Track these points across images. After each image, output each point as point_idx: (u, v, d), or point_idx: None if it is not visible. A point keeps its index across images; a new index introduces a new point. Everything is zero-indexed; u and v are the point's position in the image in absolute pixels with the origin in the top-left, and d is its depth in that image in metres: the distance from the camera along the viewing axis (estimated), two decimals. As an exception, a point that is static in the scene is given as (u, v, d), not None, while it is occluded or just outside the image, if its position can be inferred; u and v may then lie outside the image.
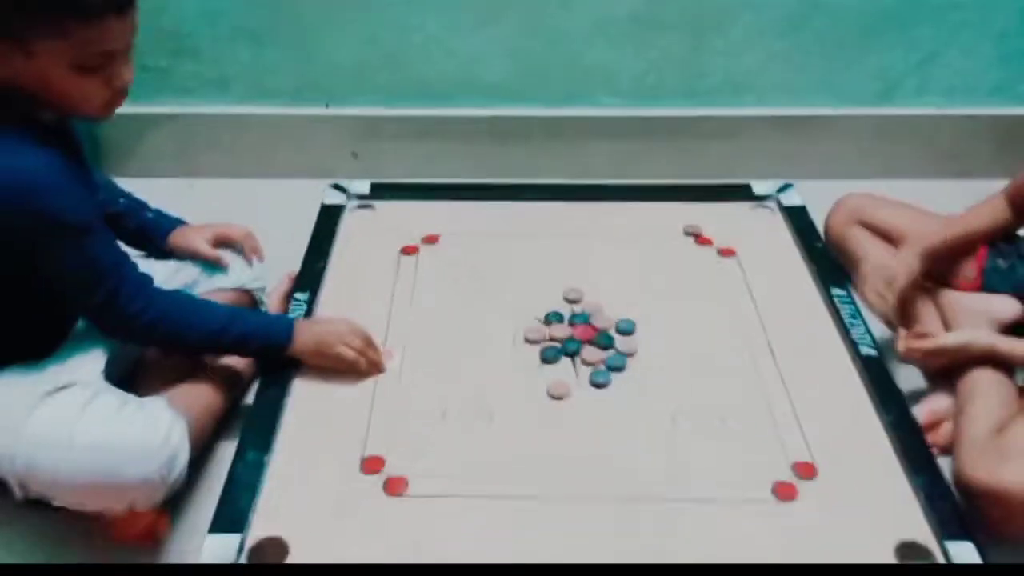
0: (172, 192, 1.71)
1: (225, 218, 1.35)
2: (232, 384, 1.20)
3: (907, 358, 1.20)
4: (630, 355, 1.19)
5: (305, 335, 1.12)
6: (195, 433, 1.05)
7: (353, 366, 1.13)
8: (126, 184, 1.29)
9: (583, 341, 1.21)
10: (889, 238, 1.37)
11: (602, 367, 1.17)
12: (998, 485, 0.98)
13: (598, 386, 1.16)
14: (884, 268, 1.26)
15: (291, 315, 1.24)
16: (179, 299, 1.10)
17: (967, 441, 1.06)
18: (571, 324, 1.24)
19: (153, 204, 1.30)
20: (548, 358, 1.19)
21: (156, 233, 1.26)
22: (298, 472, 1.03)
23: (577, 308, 1.28)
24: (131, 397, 1.03)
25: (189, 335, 1.06)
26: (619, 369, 1.17)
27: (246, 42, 1.66)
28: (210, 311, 1.10)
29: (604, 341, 1.21)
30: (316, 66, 1.70)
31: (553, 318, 1.25)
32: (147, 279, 1.04)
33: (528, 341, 1.22)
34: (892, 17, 1.63)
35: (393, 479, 1.02)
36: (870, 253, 1.36)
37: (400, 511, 0.99)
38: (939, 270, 1.32)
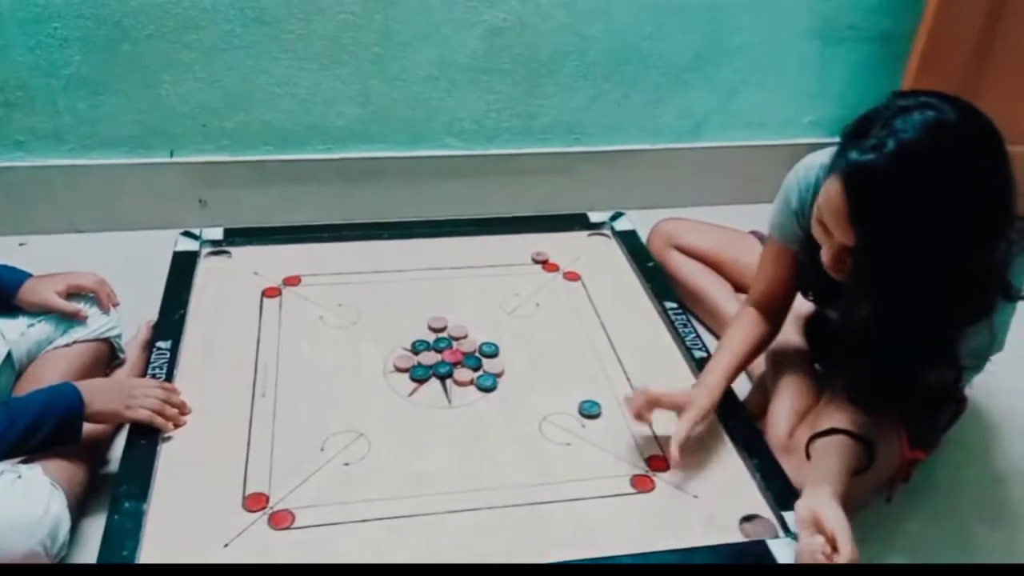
0: (1, 252, 1.64)
1: (65, 275, 1.31)
2: (99, 443, 1.17)
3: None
4: (498, 375, 1.28)
5: (100, 402, 1.07)
6: (72, 499, 1.03)
7: (151, 423, 1.10)
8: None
9: (453, 364, 1.28)
10: (699, 257, 1.56)
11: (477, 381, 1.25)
12: (794, 482, 1.11)
13: (486, 390, 1.24)
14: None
15: (152, 364, 1.23)
16: None
17: (771, 434, 1.22)
18: (437, 350, 1.31)
19: (-20, 264, 1.24)
20: (417, 377, 1.26)
21: (2, 289, 1.21)
22: (179, 515, 1.03)
23: (443, 335, 1.35)
24: (5, 467, 0.99)
25: None
26: (490, 389, 1.25)
27: (83, 91, 1.61)
28: None
29: (472, 363, 1.29)
30: (158, 114, 1.67)
31: (420, 346, 1.32)
32: None
33: (398, 370, 1.28)
34: (696, 62, 1.83)
35: (278, 513, 1.04)
36: (700, 285, 1.53)
37: (288, 543, 1.01)
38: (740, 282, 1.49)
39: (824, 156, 1.09)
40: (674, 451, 1.10)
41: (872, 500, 1.20)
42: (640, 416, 1.15)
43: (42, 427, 1.03)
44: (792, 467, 1.13)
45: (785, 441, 1.20)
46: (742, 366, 1.23)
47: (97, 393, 1.07)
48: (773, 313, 1.25)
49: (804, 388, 1.27)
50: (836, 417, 1.11)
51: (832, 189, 0.95)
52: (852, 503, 1.04)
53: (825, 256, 1.01)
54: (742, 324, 1.25)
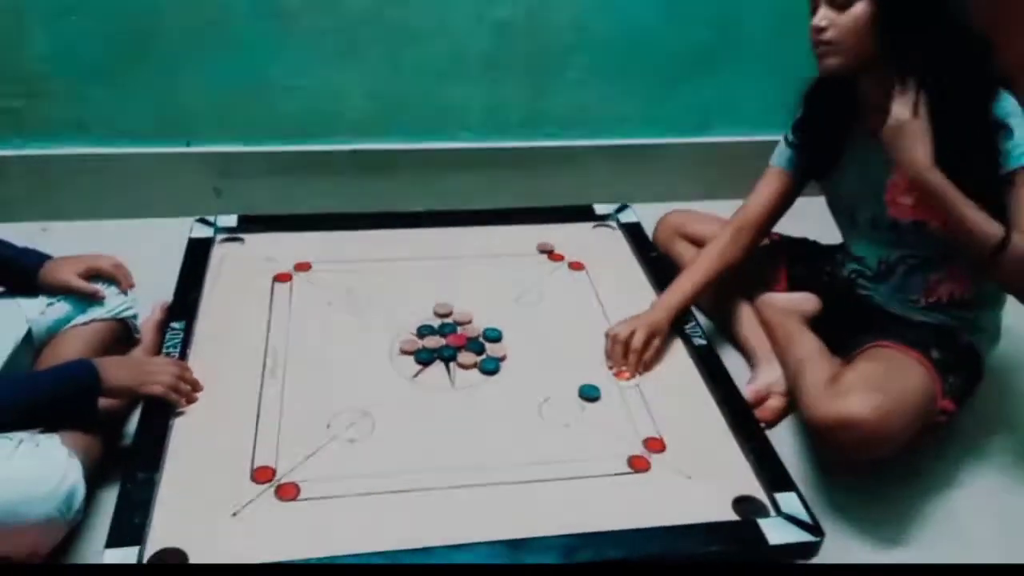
0: (25, 237, 1.69)
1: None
2: (115, 417, 1.21)
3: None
4: (501, 359, 1.31)
5: (114, 377, 1.10)
6: (88, 467, 1.07)
7: (165, 398, 1.14)
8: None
9: (457, 348, 1.32)
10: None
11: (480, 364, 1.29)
12: (843, 414, 1.14)
13: (489, 372, 1.28)
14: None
15: (167, 344, 1.27)
16: None
17: (809, 391, 1.24)
18: (442, 335, 1.35)
19: (5, 248, 1.28)
20: (422, 359, 1.29)
21: (23, 270, 1.26)
22: (190, 486, 1.07)
23: (447, 320, 1.39)
24: (25, 436, 1.03)
25: None
26: (493, 372, 1.29)
27: (103, 82, 1.67)
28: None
29: (476, 347, 1.32)
30: (175, 105, 1.72)
31: (425, 331, 1.35)
32: None
33: (404, 353, 1.31)
34: (704, 57, 1.85)
35: (284, 485, 1.08)
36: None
37: (293, 514, 1.04)
38: (753, 277, 1.53)
39: None
40: (636, 368, 1.28)
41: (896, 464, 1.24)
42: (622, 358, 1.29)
43: (60, 400, 1.07)
44: (841, 401, 1.15)
45: (823, 386, 1.22)
46: (707, 284, 1.40)
47: (113, 369, 1.11)
48: (750, 235, 1.41)
49: (828, 359, 1.32)
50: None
51: None
52: (896, 428, 1.14)
53: (817, 19, 1.15)
54: (716, 245, 1.41)
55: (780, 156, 1.42)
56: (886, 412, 1.13)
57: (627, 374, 1.29)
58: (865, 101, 1.24)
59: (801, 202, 1.45)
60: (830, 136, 1.33)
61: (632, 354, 1.29)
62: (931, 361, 1.23)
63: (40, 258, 1.28)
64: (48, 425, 1.08)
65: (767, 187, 1.42)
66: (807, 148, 1.37)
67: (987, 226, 1.12)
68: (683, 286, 1.39)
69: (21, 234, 1.64)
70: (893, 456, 1.20)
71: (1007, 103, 1.15)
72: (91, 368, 1.10)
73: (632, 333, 1.30)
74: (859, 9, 1.12)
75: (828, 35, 1.15)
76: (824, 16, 1.14)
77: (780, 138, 1.44)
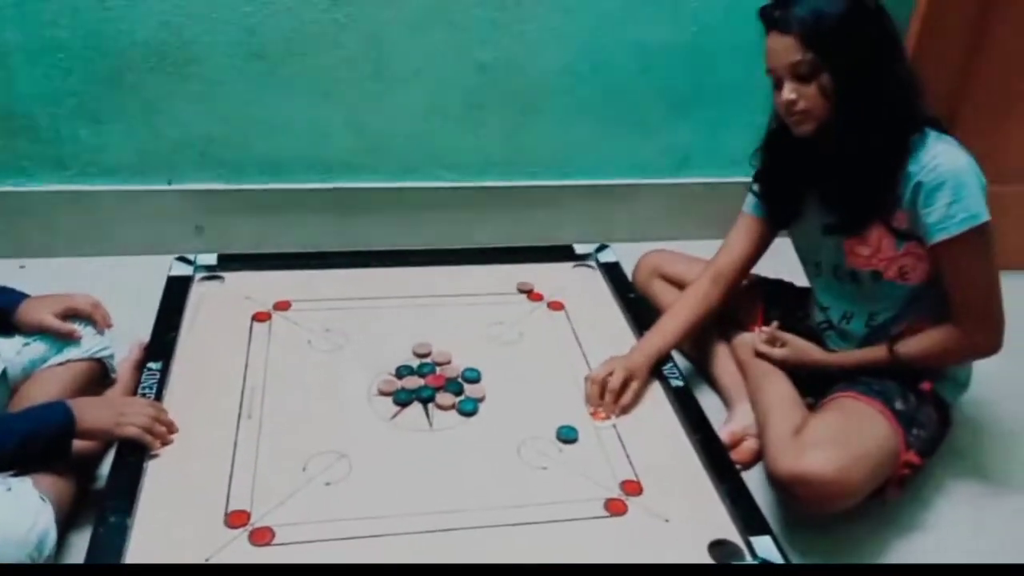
0: (2, 274, 1.68)
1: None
2: (89, 459, 1.20)
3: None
4: (479, 399, 1.31)
5: (91, 419, 1.10)
6: (60, 512, 1.06)
7: (139, 440, 1.14)
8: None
9: (435, 388, 1.32)
10: (682, 287, 1.59)
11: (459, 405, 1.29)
12: (802, 470, 1.16)
13: (467, 414, 1.28)
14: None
15: (143, 384, 1.27)
16: None
17: (773, 442, 1.26)
18: (421, 375, 1.35)
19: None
20: (400, 400, 1.29)
21: (0, 309, 1.26)
22: (163, 530, 1.06)
23: (427, 360, 1.39)
24: None
25: None
26: (471, 414, 1.29)
27: (85, 121, 1.67)
28: None
29: (455, 388, 1.32)
30: (157, 143, 1.72)
31: (404, 371, 1.36)
32: None
33: (382, 393, 1.31)
34: (682, 99, 1.89)
35: (258, 530, 1.07)
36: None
37: (268, 559, 1.03)
38: (730, 318, 1.55)
39: None
40: (616, 410, 1.31)
41: (871, 506, 1.25)
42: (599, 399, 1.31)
43: (34, 442, 1.06)
44: (801, 457, 1.18)
45: (786, 439, 1.24)
46: (688, 330, 1.43)
47: (88, 410, 1.11)
48: (728, 280, 1.45)
49: (795, 407, 1.33)
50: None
51: (772, 38, 1.20)
52: (854, 484, 1.17)
53: (782, 97, 1.21)
54: (695, 291, 1.44)
55: (749, 203, 1.45)
56: (844, 468, 1.16)
57: (603, 415, 1.30)
58: (823, 153, 1.27)
59: (779, 242, 1.48)
60: (790, 187, 1.37)
61: (608, 394, 1.30)
62: (894, 413, 1.25)
63: (17, 297, 1.28)
64: (21, 467, 1.07)
65: (740, 234, 1.46)
66: (769, 198, 1.41)
67: (873, 355, 1.31)
68: (663, 330, 1.41)
69: (-2, 271, 1.64)
70: (854, 508, 1.21)
71: (949, 157, 1.19)
72: (66, 410, 1.09)
73: (609, 374, 1.31)
74: (824, 80, 1.18)
75: (800, 106, 1.20)
76: (793, 90, 1.19)
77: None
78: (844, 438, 1.20)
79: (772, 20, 1.19)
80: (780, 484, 1.21)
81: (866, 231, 1.27)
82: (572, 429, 1.26)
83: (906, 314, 1.31)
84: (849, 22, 1.16)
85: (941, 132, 1.23)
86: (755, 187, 1.43)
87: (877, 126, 1.19)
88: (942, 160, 1.18)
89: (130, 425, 1.13)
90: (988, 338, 1.25)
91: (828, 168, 1.27)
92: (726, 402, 1.49)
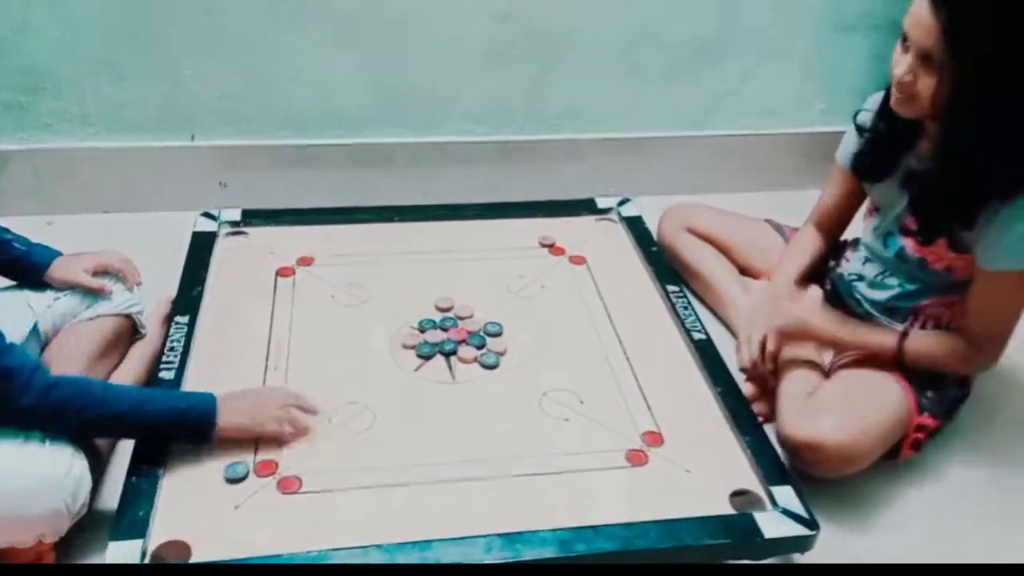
0: (30, 230, 1.70)
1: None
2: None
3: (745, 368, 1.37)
4: (501, 353, 1.32)
5: (229, 415, 1.10)
6: (93, 462, 1.08)
7: (278, 437, 1.13)
8: (-21, 222, 1.29)
9: (458, 342, 1.33)
10: (710, 240, 1.60)
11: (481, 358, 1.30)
12: (812, 436, 1.18)
13: (489, 367, 1.29)
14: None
15: (171, 337, 1.29)
16: (79, 385, 1.05)
17: (786, 405, 1.27)
18: (443, 329, 1.36)
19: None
20: (423, 354, 1.30)
21: (32, 266, 1.28)
22: (193, 479, 1.08)
23: (449, 314, 1.40)
24: (33, 433, 1.04)
25: (99, 424, 1.05)
26: (493, 367, 1.30)
27: (107, 76, 1.67)
28: (116, 396, 1.07)
29: (477, 341, 1.33)
30: (180, 98, 1.72)
31: (427, 324, 1.37)
32: (37, 367, 1.02)
33: (405, 347, 1.32)
34: (707, 49, 1.85)
35: (286, 478, 1.09)
36: (706, 267, 1.58)
37: (295, 506, 1.06)
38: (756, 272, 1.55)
39: None
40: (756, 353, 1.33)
41: (882, 466, 1.25)
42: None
43: (176, 431, 1.09)
44: (812, 423, 1.20)
45: (799, 403, 1.25)
46: (804, 274, 1.42)
47: (229, 412, 1.10)
48: (829, 231, 1.45)
49: (813, 371, 1.33)
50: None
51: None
52: (863, 451, 1.18)
53: (899, 71, 1.10)
54: (803, 238, 1.45)
55: (844, 155, 1.37)
56: (855, 435, 1.17)
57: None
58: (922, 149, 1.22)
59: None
60: (889, 152, 1.28)
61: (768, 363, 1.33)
62: (906, 377, 1.24)
63: (49, 254, 1.30)
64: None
65: (835, 187, 1.42)
66: (867, 155, 1.31)
67: (879, 341, 1.26)
68: (784, 265, 1.43)
69: (27, 227, 1.65)
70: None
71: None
72: (212, 412, 1.09)
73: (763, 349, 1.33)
74: (945, 77, 1.06)
75: (910, 88, 1.10)
76: (911, 69, 1.09)
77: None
78: (855, 404, 1.20)
79: None
80: (790, 448, 1.22)
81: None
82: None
83: (938, 293, 1.28)
84: (1009, 44, 1.02)
85: None
86: (855, 138, 1.34)
87: (990, 161, 1.09)
88: None
89: (269, 420, 1.12)
90: (990, 360, 1.24)
91: (922, 166, 1.20)
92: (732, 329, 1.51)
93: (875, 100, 1.28)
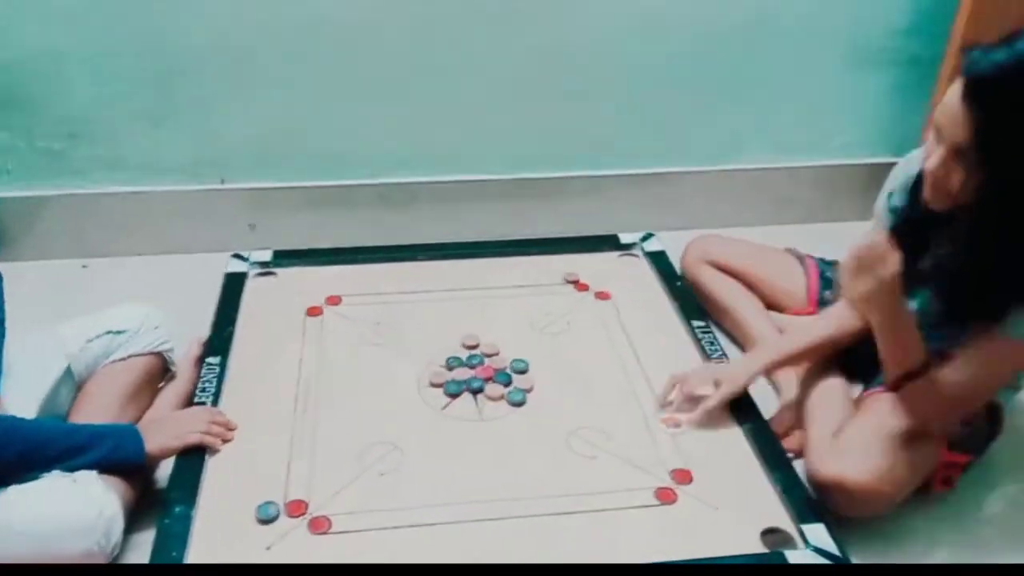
0: (66, 273, 1.74)
1: (124, 295, 1.39)
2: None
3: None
4: (528, 390, 1.33)
5: (153, 440, 1.14)
6: (124, 504, 1.10)
7: (202, 444, 1.18)
8: (19, 268, 1.29)
9: (485, 379, 1.34)
10: (732, 273, 1.59)
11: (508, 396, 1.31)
12: (838, 477, 1.16)
13: (516, 404, 1.30)
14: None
15: (203, 378, 1.31)
16: (8, 427, 1.05)
17: (813, 444, 1.26)
18: (470, 367, 1.37)
19: (47, 286, 1.29)
20: (451, 392, 1.32)
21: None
22: (225, 520, 1.10)
23: (475, 352, 1.41)
24: (59, 474, 1.06)
25: (26, 467, 1.04)
26: (520, 404, 1.30)
27: (141, 123, 1.71)
28: (46, 433, 1.08)
29: (503, 379, 1.34)
30: (210, 143, 1.76)
31: (454, 363, 1.38)
32: None
33: (433, 385, 1.34)
34: (729, 85, 1.86)
35: (317, 519, 1.10)
36: (733, 302, 1.55)
37: (325, 547, 1.07)
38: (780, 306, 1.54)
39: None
40: (697, 415, 1.27)
41: (916, 501, 1.23)
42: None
43: (106, 467, 1.10)
44: (838, 463, 1.16)
45: (826, 443, 1.23)
46: (809, 351, 1.34)
47: (153, 438, 1.14)
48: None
49: (841, 402, 1.32)
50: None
51: (952, 88, 1.00)
52: (890, 491, 1.15)
53: (931, 164, 1.03)
54: (829, 312, 1.34)
55: (880, 218, 1.29)
56: (881, 475, 1.14)
57: (672, 419, 1.29)
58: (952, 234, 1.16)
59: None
60: (920, 233, 1.19)
61: (678, 390, 1.31)
62: None
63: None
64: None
65: None
66: (899, 232, 1.19)
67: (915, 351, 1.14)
68: (779, 344, 1.37)
69: (62, 270, 1.70)
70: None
71: None
72: (137, 436, 1.13)
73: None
74: (976, 172, 1.01)
75: (942, 183, 1.04)
76: (943, 163, 1.02)
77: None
78: (881, 443, 1.17)
79: (965, 67, 0.98)
80: (818, 488, 1.20)
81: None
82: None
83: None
84: None
85: None
86: (886, 217, 1.26)
87: (1020, 260, 1.04)
88: None
89: (190, 433, 1.18)
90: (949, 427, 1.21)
91: (951, 255, 1.13)
92: (776, 388, 1.48)
93: (904, 177, 1.22)
